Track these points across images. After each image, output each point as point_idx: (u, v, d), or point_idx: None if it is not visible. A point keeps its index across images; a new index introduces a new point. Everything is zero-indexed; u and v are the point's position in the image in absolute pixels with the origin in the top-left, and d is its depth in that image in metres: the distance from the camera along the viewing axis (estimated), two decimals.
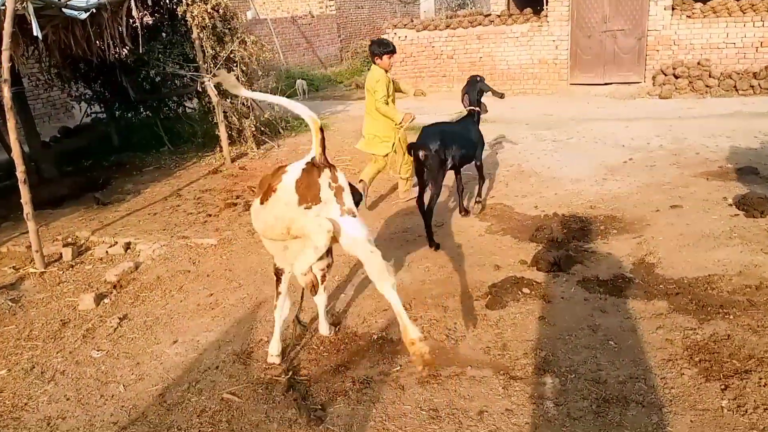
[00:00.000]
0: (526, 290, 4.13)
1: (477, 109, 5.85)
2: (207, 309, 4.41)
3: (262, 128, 10.23)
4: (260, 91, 10.47)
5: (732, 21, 11.66)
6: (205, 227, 6.22)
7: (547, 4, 13.23)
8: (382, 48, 6.09)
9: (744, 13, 11.60)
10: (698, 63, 11.97)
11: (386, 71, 6.09)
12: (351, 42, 23.38)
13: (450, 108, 11.68)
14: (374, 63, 6.17)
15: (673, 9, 12.02)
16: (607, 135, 8.17)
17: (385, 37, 13.55)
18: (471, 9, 26.25)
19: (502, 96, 6.01)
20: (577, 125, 9.07)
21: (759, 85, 11.42)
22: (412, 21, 14.58)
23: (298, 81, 15.18)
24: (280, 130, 10.56)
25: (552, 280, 4.30)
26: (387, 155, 6.17)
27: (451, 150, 5.21)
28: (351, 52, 22.51)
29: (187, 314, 4.36)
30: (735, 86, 11.57)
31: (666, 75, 12.19)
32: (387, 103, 5.98)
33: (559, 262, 4.47)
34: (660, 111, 10.20)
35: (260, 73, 9.86)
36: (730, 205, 5.26)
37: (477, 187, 6.02)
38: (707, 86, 11.78)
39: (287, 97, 3.57)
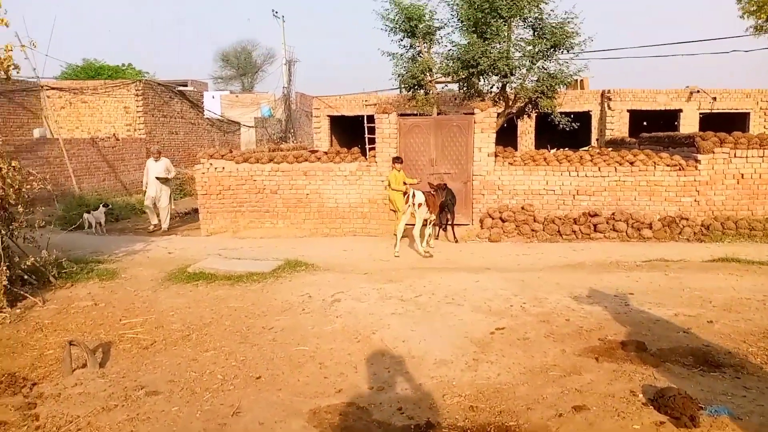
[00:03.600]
0: None
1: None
2: None
3: (25, 276, 7.57)
4: (31, 223, 7.98)
5: (550, 170, 11.76)
6: None
7: (369, 145, 12.60)
8: (397, 161, 11.18)
9: (560, 163, 11.80)
10: (522, 207, 11.78)
11: (399, 171, 11.07)
12: None
13: (270, 249, 9.94)
14: (393, 168, 11.19)
15: (495, 156, 11.91)
16: (458, 292, 6.94)
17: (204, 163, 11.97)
18: (293, 142, 25.67)
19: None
20: (421, 277, 7.81)
21: (580, 230, 11.41)
22: (231, 152, 13.00)
23: (86, 214, 12.53)
24: (52, 279, 7.92)
25: None
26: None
27: None
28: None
29: None
30: (558, 231, 11.46)
31: (493, 218, 11.81)
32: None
33: None
34: (499, 259, 9.46)
35: (20, 208, 7.32)
36: (645, 404, 4.03)
37: None
38: (533, 230, 11.54)
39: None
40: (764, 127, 18.33)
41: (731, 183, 11.37)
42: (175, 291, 7.78)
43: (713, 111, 18.71)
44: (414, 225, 9.97)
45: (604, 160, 11.68)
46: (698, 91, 18.59)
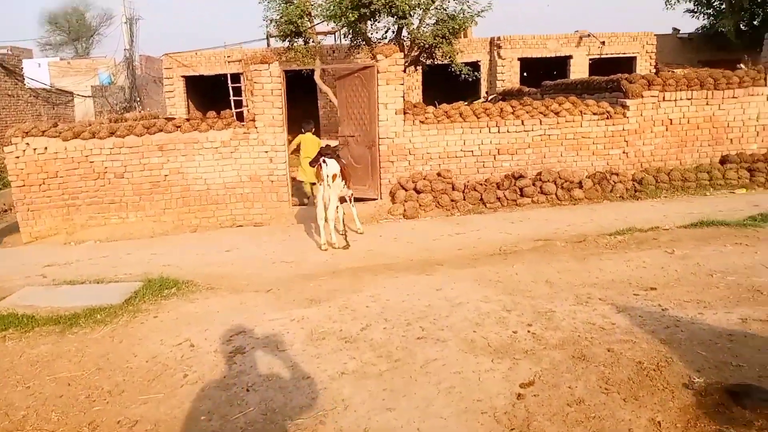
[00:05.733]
0: None
1: None
2: None
3: None
4: None
5: (468, 127, 9.75)
6: None
7: (236, 108, 9.81)
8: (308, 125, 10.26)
9: (478, 118, 9.82)
10: (438, 174, 9.71)
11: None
12: None
13: (120, 258, 6.86)
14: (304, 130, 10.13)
15: (405, 113, 9.66)
16: (423, 313, 4.63)
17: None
18: (140, 112, 21.56)
19: None
20: (356, 288, 5.41)
21: (504, 196, 9.62)
22: (57, 126, 9.52)
23: None
24: None
25: None
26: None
27: None
28: None
29: None
30: (481, 198, 9.57)
31: (406, 190, 9.63)
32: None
33: None
34: (432, 244, 7.33)
35: None
36: None
37: None
38: (453, 200, 9.54)
39: None
40: (650, 71, 17.80)
41: (660, 130, 10.11)
42: None
43: (602, 56, 17.84)
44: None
45: (527, 112, 9.88)
46: (588, 36, 17.57)
